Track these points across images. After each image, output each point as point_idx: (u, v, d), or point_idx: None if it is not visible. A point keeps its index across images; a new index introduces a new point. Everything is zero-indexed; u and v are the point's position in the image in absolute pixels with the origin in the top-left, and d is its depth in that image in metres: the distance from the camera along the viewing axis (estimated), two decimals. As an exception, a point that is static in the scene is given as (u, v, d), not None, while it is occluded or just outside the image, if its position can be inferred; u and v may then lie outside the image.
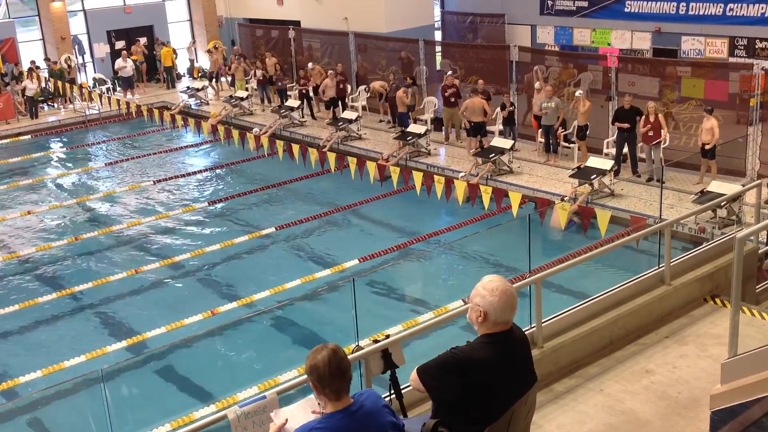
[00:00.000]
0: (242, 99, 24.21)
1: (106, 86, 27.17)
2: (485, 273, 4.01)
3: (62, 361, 10.81)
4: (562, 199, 14.53)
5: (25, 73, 25.59)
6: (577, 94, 17.12)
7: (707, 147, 14.84)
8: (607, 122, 17.32)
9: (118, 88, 27.26)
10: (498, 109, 18.82)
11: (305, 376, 3.74)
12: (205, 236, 15.60)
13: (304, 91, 23.08)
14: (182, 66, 30.04)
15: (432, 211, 15.95)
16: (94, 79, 27.69)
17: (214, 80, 27.21)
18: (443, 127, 20.16)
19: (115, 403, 9.38)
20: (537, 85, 18.42)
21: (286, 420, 3.91)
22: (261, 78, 24.80)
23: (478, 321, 3.90)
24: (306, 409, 3.96)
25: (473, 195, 14.64)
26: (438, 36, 27.27)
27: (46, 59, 26.82)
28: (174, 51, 28.83)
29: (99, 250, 15.17)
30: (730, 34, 20.01)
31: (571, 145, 17.40)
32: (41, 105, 25.51)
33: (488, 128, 19.12)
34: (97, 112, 25.04)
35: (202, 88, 26.27)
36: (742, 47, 19.89)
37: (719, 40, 20.25)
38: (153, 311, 12.46)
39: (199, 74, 28.57)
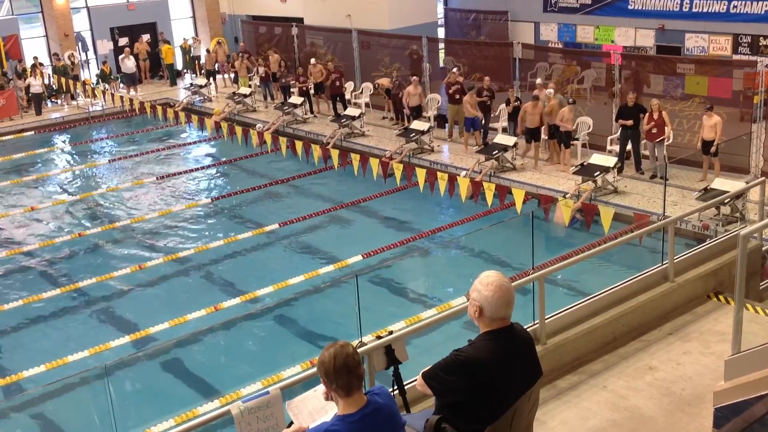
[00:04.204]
0: (245, 96, 24.22)
1: (113, 76, 27.25)
2: (488, 270, 4.01)
3: (66, 356, 10.84)
4: (565, 196, 14.53)
5: (29, 70, 25.62)
6: (553, 100, 16.80)
7: (714, 144, 14.79)
8: (610, 119, 17.30)
9: (122, 85, 27.33)
10: (503, 105, 18.81)
11: (309, 372, 3.75)
12: (209, 232, 15.62)
13: (304, 89, 23.06)
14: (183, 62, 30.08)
15: (435, 207, 15.96)
16: (97, 75, 27.70)
17: (211, 77, 27.24)
18: (447, 124, 20.13)
19: (119, 398, 9.41)
20: (538, 81, 18.42)
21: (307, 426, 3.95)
22: (264, 75, 24.81)
23: (475, 316, 3.93)
24: (319, 396, 3.98)
25: (476, 192, 14.63)
26: (441, 33, 27.26)
27: (54, 54, 26.85)
28: (189, 47, 28.95)
29: (102, 245, 15.19)
30: (734, 32, 19.97)
31: (575, 142, 17.33)
32: (45, 101, 25.57)
33: (491, 125, 19.15)
34: (101, 108, 25.07)
35: (205, 85, 26.30)
36: (746, 44, 19.85)
37: (723, 37, 20.22)
38: (156, 307, 12.47)
39: (201, 71, 28.61)
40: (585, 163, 15.61)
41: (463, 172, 16.63)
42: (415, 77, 20.26)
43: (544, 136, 17.47)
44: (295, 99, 22.76)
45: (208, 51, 28.06)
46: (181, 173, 19.54)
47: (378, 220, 15.91)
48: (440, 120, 20.65)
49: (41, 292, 12.97)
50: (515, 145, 17.15)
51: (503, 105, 18.83)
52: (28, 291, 13.11)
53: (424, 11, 25.66)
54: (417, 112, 20.08)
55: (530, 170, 16.90)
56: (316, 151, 17.45)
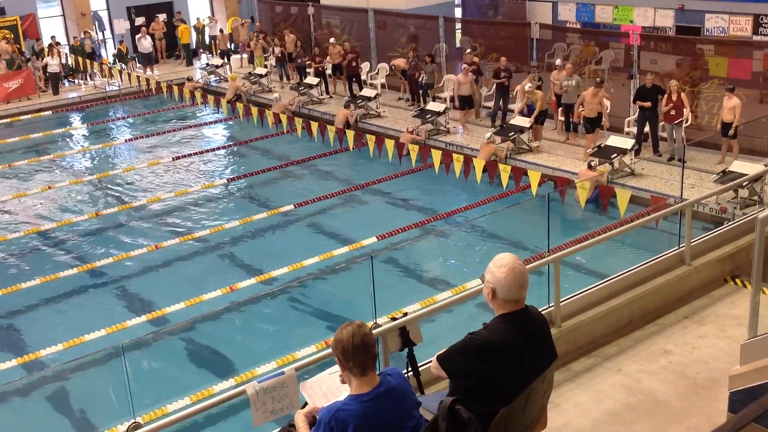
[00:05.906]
0: (261, 76, 24.19)
1: (130, 55, 27.31)
2: (503, 252, 4.00)
3: (83, 335, 10.93)
4: (590, 165, 14.42)
5: (46, 50, 25.69)
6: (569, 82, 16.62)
7: (733, 126, 14.62)
8: (628, 101, 17.15)
9: (138, 65, 27.37)
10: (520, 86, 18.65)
11: (323, 352, 3.76)
12: (224, 213, 15.67)
13: (320, 69, 22.99)
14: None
15: (450, 189, 15.91)
16: (114, 55, 27.75)
17: (226, 57, 27.22)
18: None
19: (135, 376, 9.48)
20: (558, 62, 18.26)
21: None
22: (279, 55, 24.75)
23: (488, 298, 3.94)
24: (334, 378, 4.00)
25: (492, 173, 14.58)
26: (458, 13, 27.06)
27: (85, 32, 26.90)
28: (202, 26, 28.96)
29: (119, 225, 15.28)
30: (755, 12, 19.70)
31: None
32: (62, 81, 25.67)
33: (510, 106, 18.99)
34: (117, 88, 25.13)
35: (221, 65, 26.29)
36: (767, 25, 19.58)
37: (743, 17, 19.96)
38: (172, 286, 12.54)
39: (217, 51, 28.62)
40: (602, 145, 15.51)
41: (486, 135, 16.55)
42: (465, 65, 19.16)
43: (605, 123, 16.44)
44: (311, 79, 22.70)
45: (221, 31, 28.01)
46: (196, 153, 19.58)
47: (393, 201, 15.89)
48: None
49: (58, 272, 13.06)
50: (531, 126, 17.06)
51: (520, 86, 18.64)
52: (45, 270, 13.21)
53: (441, -10, 25.43)
54: (467, 103, 18.74)
55: (546, 152, 16.81)
56: (332, 131, 17.42)
